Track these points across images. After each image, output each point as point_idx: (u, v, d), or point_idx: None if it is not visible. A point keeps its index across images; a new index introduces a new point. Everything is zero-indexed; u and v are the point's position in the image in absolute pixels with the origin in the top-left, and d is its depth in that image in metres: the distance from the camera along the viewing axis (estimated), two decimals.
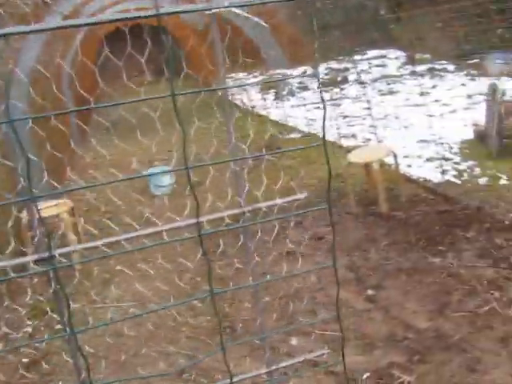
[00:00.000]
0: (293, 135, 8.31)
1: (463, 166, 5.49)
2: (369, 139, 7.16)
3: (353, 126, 8.27)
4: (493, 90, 5.51)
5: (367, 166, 4.53)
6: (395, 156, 4.58)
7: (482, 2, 6.32)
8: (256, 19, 7.13)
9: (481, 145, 5.98)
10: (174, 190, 6.28)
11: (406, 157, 6.11)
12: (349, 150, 6.81)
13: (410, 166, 5.76)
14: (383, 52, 17.15)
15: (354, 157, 4.49)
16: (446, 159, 5.76)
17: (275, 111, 10.75)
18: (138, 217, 5.53)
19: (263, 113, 10.87)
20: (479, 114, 6.88)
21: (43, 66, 7.52)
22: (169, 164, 7.37)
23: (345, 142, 7.19)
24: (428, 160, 5.88)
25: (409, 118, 8.33)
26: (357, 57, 16.63)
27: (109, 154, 9.03)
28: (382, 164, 4.53)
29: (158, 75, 23.35)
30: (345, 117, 9.15)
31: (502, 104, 5.30)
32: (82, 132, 10.86)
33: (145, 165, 7.75)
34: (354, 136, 7.58)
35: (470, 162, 5.54)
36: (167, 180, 6.16)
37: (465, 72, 12.37)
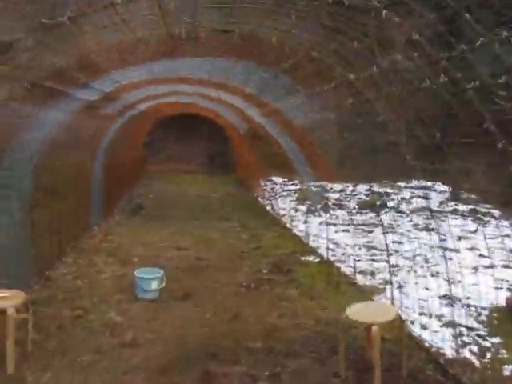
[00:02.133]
0: (310, 257, 7.68)
1: (487, 343, 4.64)
2: (387, 282, 6.42)
3: (376, 261, 7.57)
4: None
5: (367, 327, 3.82)
6: (402, 321, 3.88)
7: None
8: (286, 137, 6.93)
9: None
10: (161, 296, 5.69)
11: (422, 314, 5.33)
12: (362, 289, 6.11)
13: (424, 327, 4.96)
14: (428, 183, 16.67)
15: (352, 314, 3.81)
16: (469, 328, 4.94)
17: (302, 226, 10.24)
18: (107, 323, 4.95)
19: (288, 225, 10.39)
20: None
21: (71, 136, 7.46)
22: (168, 265, 6.87)
23: (360, 279, 6.48)
24: (447, 324, 5.06)
25: (438, 263, 7.57)
26: (401, 183, 16.24)
27: (117, 239, 8.68)
28: (383, 327, 3.81)
29: (206, 166, 23.86)
30: (370, 248, 8.49)
31: None
32: (106, 210, 10.66)
33: (147, 260, 7.28)
34: (372, 274, 6.86)
35: (497, 339, 4.70)
36: (155, 285, 5.60)
37: (511, 221, 11.59)
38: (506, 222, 11.46)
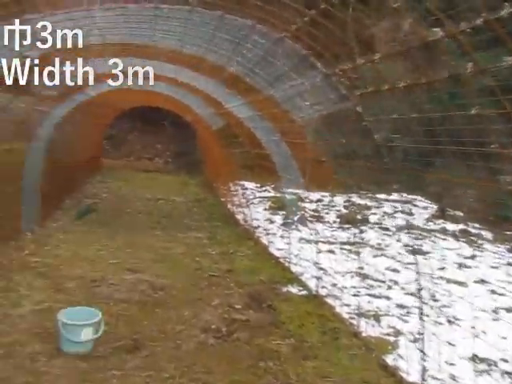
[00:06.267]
0: (294, 289, 6.18)
1: None
2: (397, 331, 4.99)
3: (375, 296, 6.14)
4: None
5: None
6: None
7: None
8: (276, 136, 5.44)
9: None
10: (96, 348, 4.07)
11: None
12: (368, 343, 4.64)
13: None
14: (409, 197, 15.45)
15: None
16: None
17: (279, 242, 8.75)
18: None
19: (264, 240, 8.87)
20: None
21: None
22: (112, 297, 5.23)
23: (365, 328, 4.99)
24: None
25: (451, 303, 6.20)
26: (380, 195, 14.93)
27: (53, 252, 6.94)
28: None
29: (170, 165, 21.97)
30: (364, 276, 7.06)
31: None
32: (44, 213, 8.83)
33: (86, 287, 5.61)
34: (376, 318, 5.40)
35: None
36: (87, 334, 3.97)
37: (508, 246, 10.43)
38: (502, 247, 10.29)
